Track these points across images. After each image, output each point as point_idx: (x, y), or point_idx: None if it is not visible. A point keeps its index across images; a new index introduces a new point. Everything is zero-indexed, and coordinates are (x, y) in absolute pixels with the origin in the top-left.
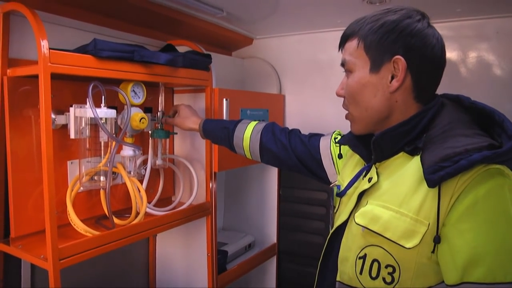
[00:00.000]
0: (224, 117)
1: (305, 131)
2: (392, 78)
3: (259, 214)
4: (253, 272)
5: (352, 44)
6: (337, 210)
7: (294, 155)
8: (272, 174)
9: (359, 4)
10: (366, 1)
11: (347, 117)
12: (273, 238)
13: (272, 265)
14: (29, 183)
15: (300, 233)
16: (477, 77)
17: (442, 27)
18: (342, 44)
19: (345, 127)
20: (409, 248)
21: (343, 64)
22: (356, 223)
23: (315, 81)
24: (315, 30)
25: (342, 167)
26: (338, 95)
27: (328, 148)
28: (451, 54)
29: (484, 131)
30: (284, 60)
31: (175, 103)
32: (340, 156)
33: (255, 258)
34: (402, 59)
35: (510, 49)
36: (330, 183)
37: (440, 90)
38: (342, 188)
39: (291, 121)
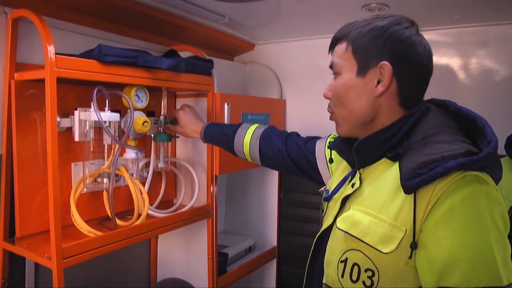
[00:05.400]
0: (225, 121)
1: (305, 135)
2: (378, 82)
3: (259, 218)
4: (253, 275)
5: (341, 47)
6: (324, 214)
7: (290, 160)
8: (273, 177)
9: (358, 11)
10: (365, 8)
11: (331, 118)
12: (273, 241)
13: (272, 268)
14: (34, 184)
15: (300, 237)
16: (475, 83)
17: (440, 34)
18: (332, 46)
19: None
20: (386, 253)
21: (331, 66)
22: (337, 228)
23: (316, 86)
24: (315, 36)
25: (334, 171)
26: (325, 97)
27: (322, 152)
28: (449, 60)
29: (470, 137)
30: (285, 66)
31: (177, 107)
32: (331, 160)
33: (255, 261)
34: (388, 64)
35: (507, 55)
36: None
37: (437, 95)
38: (330, 192)
39: (292, 126)
